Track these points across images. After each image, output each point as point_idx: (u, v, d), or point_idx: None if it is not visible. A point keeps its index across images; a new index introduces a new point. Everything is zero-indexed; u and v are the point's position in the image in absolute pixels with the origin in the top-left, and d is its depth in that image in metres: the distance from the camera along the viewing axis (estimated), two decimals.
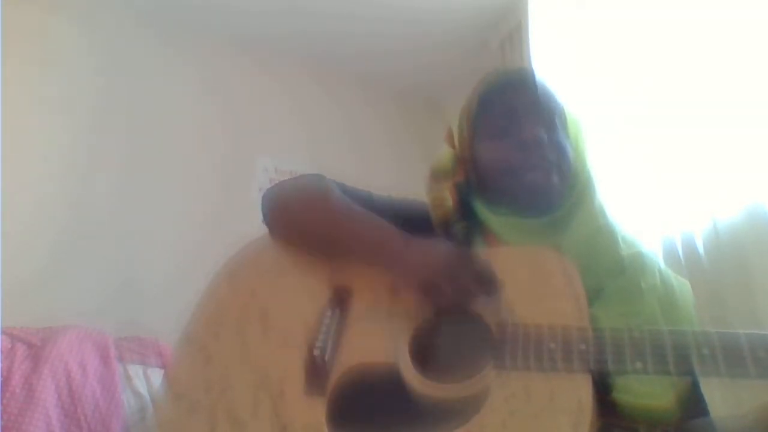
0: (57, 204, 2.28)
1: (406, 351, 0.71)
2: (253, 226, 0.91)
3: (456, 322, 0.73)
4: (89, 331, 1.76)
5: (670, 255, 1.60)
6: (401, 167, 2.76)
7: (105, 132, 2.47)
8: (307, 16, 2.67)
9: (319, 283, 0.81)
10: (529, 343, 0.65)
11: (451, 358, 0.72)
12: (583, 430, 0.57)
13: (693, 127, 1.64)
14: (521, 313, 0.69)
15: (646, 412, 0.66)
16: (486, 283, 0.71)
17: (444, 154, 0.93)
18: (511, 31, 2.51)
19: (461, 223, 0.88)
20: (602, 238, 0.81)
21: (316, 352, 0.72)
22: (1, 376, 1.54)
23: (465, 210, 0.88)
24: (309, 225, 0.87)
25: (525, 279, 0.73)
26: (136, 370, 1.77)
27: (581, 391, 0.60)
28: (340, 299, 0.79)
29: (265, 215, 0.91)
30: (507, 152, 0.84)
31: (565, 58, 2.12)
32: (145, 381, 1.76)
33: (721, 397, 0.71)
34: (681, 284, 0.82)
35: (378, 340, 0.73)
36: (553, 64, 2.15)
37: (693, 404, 0.68)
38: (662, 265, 0.84)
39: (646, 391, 0.66)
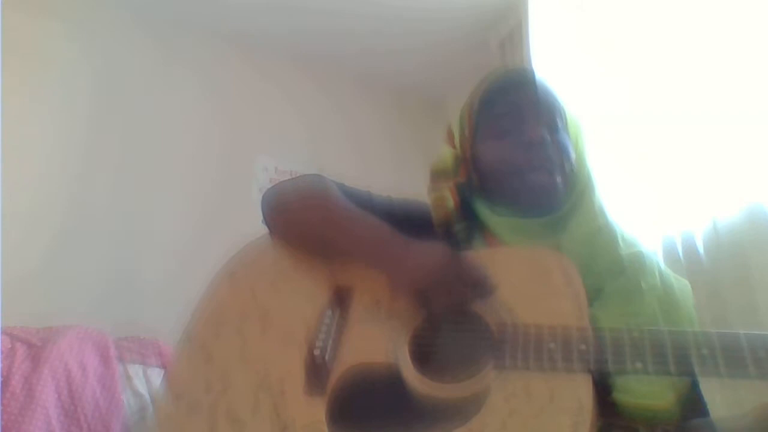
0: (56, 204, 2.28)
1: (406, 351, 0.71)
2: (253, 226, 0.91)
3: (456, 322, 0.73)
4: (89, 331, 1.76)
5: (670, 255, 1.60)
6: (401, 167, 2.76)
7: (105, 132, 2.47)
8: (307, 15, 2.67)
9: (319, 283, 0.81)
10: (529, 343, 0.65)
11: (451, 358, 0.72)
12: (583, 430, 0.57)
13: (693, 127, 1.64)
14: (521, 313, 0.69)
15: (646, 412, 0.66)
16: (480, 288, 0.71)
17: (445, 154, 0.93)
18: (511, 31, 2.51)
19: (462, 223, 0.88)
20: (602, 237, 0.81)
21: (317, 352, 0.72)
22: (1, 376, 1.54)
23: (466, 210, 0.88)
24: (307, 226, 0.87)
25: (525, 279, 0.73)
26: (136, 370, 1.77)
27: (581, 391, 0.60)
28: (341, 299, 0.79)
29: (264, 216, 0.91)
30: (510, 152, 0.84)
31: (565, 58, 2.12)
32: (145, 381, 1.76)
33: (720, 397, 0.72)
34: (681, 284, 0.82)
35: (378, 340, 0.73)
36: (553, 64, 2.15)
37: (693, 404, 0.68)
38: (662, 265, 0.84)
39: (646, 391, 0.66)
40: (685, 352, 0.58)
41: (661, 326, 0.71)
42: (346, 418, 0.68)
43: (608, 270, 0.78)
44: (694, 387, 0.69)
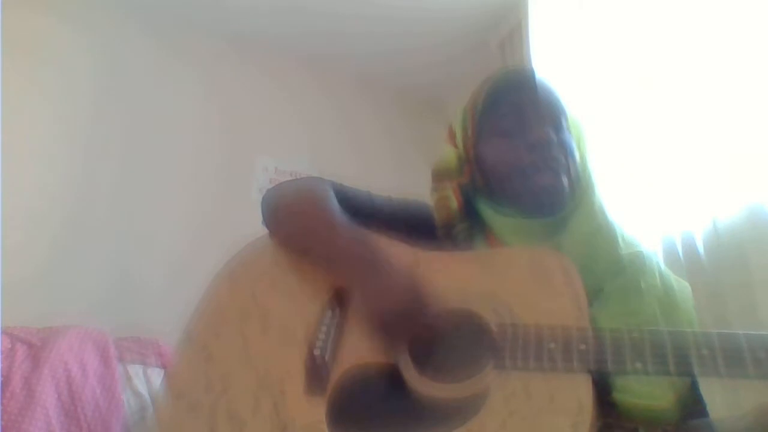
0: (57, 204, 2.29)
1: (406, 351, 0.71)
2: (253, 227, 0.91)
3: (456, 322, 0.73)
4: (89, 331, 1.76)
5: (670, 255, 1.60)
6: (401, 167, 2.76)
7: (105, 132, 2.47)
8: (307, 15, 2.67)
9: (319, 284, 0.81)
10: (529, 343, 0.65)
11: (451, 358, 0.72)
12: (583, 430, 0.57)
13: (693, 126, 1.64)
14: (521, 313, 0.69)
15: (645, 412, 0.66)
16: (435, 330, 0.71)
17: (447, 154, 0.92)
18: (511, 31, 2.50)
19: (464, 223, 0.87)
20: (602, 237, 0.81)
21: (317, 352, 0.72)
22: (1, 376, 1.54)
23: (468, 211, 0.88)
24: (290, 232, 0.87)
25: (525, 279, 0.73)
26: (136, 370, 1.77)
27: (581, 392, 0.60)
28: (341, 299, 0.79)
29: (263, 216, 0.91)
30: (515, 152, 0.83)
31: (565, 58, 2.12)
32: (145, 381, 1.76)
33: (720, 397, 0.71)
34: (681, 285, 0.82)
35: (378, 340, 0.73)
36: (553, 63, 2.15)
37: (692, 405, 0.68)
38: (662, 265, 0.83)
39: (646, 391, 0.66)
40: (684, 352, 0.58)
41: (661, 326, 0.71)
42: (347, 419, 0.68)
43: (608, 270, 0.78)
44: (694, 387, 0.69)
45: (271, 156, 2.78)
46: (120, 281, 2.30)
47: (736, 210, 1.48)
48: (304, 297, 0.80)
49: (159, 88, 2.63)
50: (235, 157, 2.70)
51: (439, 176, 0.91)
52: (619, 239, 0.81)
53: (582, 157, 0.88)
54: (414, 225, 0.89)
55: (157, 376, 1.78)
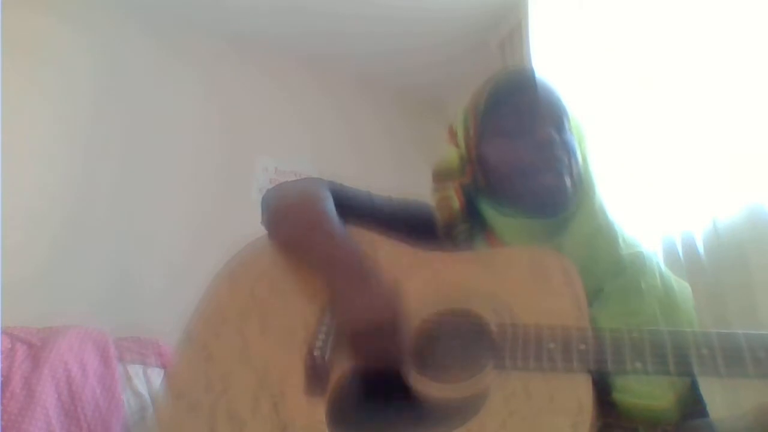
0: (56, 204, 2.29)
1: (406, 352, 0.70)
2: (253, 227, 0.91)
3: (456, 322, 0.73)
4: (89, 331, 1.76)
5: (670, 255, 1.60)
6: (401, 167, 2.76)
7: (105, 132, 2.47)
8: (307, 16, 2.67)
9: (318, 284, 0.81)
10: (529, 343, 0.65)
11: (451, 358, 0.72)
12: (582, 430, 0.57)
13: (693, 126, 1.64)
14: (521, 313, 0.69)
15: (645, 412, 0.66)
16: (409, 351, 0.70)
17: (449, 154, 0.91)
18: (511, 31, 2.50)
19: (465, 224, 0.87)
20: (602, 238, 0.81)
21: (317, 353, 0.72)
22: (1, 376, 1.54)
23: (470, 211, 0.88)
24: (285, 235, 0.87)
25: (525, 279, 0.73)
26: (136, 370, 1.77)
27: (581, 392, 0.60)
28: None
29: (262, 217, 0.91)
30: (519, 152, 0.83)
31: (565, 58, 2.12)
32: (145, 381, 1.76)
33: (720, 397, 0.71)
34: (681, 286, 0.82)
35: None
36: (553, 63, 2.15)
37: (692, 404, 0.68)
38: (662, 266, 0.83)
39: (646, 391, 0.66)
40: (684, 352, 0.58)
41: (661, 327, 0.71)
42: (347, 419, 0.68)
43: (608, 270, 0.78)
44: (694, 387, 0.69)
45: (271, 156, 2.78)
46: (120, 281, 2.30)
47: (736, 210, 1.48)
48: (304, 297, 0.80)
49: (159, 88, 2.63)
50: (235, 157, 2.70)
51: (440, 176, 0.91)
52: (620, 239, 0.81)
53: (583, 157, 0.88)
54: (414, 225, 0.89)
55: (157, 376, 1.78)
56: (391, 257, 0.81)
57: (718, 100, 1.58)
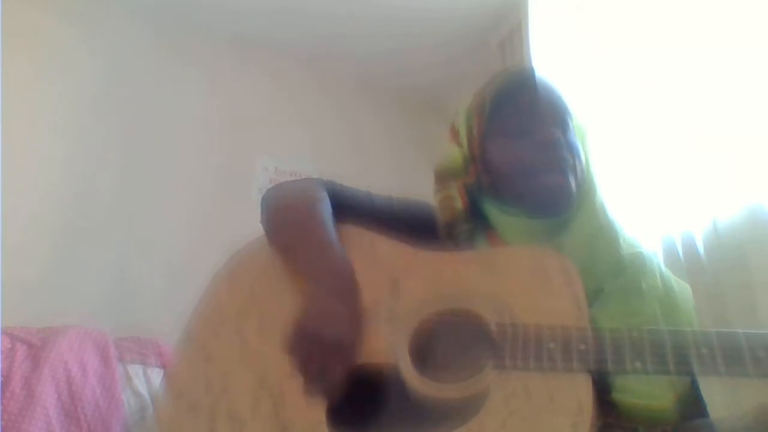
0: (57, 204, 2.29)
1: (406, 351, 0.70)
2: (253, 227, 0.91)
3: (456, 322, 0.73)
4: (89, 331, 1.76)
5: (670, 255, 1.60)
6: (401, 167, 2.77)
7: (105, 132, 2.47)
8: (308, 16, 2.67)
9: None
10: (529, 343, 0.65)
11: (451, 358, 0.72)
12: (582, 430, 0.57)
13: (693, 126, 1.64)
14: (521, 313, 0.69)
15: (645, 412, 0.66)
16: (339, 382, 0.70)
17: (452, 153, 0.91)
18: (511, 31, 2.51)
19: (466, 223, 0.87)
20: (603, 238, 0.81)
21: None
22: (1, 376, 1.54)
23: (472, 210, 0.88)
24: (278, 238, 0.87)
25: (525, 279, 0.73)
26: (136, 370, 1.77)
27: (581, 391, 0.60)
28: None
29: (261, 216, 0.91)
30: (524, 152, 0.83)
31: (565, 58, 2.12)
32: (145, 381, 1.76)
33: (720, 397, 0.71)
34: (681, 287, 0.82)
35: (378, 341, 0.73)
36: (553, 63, 2.15)
37: (692, 404, 0.68)
38: (663, 266, 0.83)
39: (646, 391, 0.66)
40: (684, 351, 0.58)
41: (661, 327, 0.71)
42: (347, 419, 0.68)
43: (609, 270, 0.78)
44: (694, 387, 0.69)
45: (271, 156, 2.79)
46: (120, 281, 2.30)
47: (736, 210, 1.48)
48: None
49: (160, 89, 2.63)
50: (235, 157, 2.70)
51: (443, 176, 0.91)
52: (620, 240, 0.81)
53: (585, 157, 0.88)
54: (414, 225, 0.89)
55: (157, 376, 1.78)
56: (391, 257, 0.81)
57: (718, 100, 1.58)
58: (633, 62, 1.86)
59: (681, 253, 1.58)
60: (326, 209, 0.87)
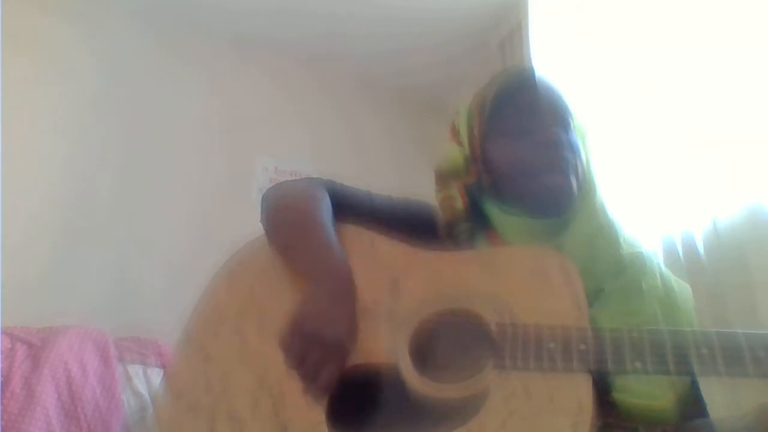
0: (57, 204, 2.29)
1: (406, 351, 0.70)
2: (253, 227, 0.91)
3: (456, 322, 0.73)
4: (89, 331, 1.76)
5: (670, 255, 1.60)
6: (401, 167, 2.77)
7: (105, 132, 2.47)
8: (307, 16, 2.67)
9: None
10: (529, 343, 0.65)
11: (451, 358, 0.72)
12: (582, 430, 0.57)
13: (693, 126, 1.64)
14: (521, 313, 0.69)
15: (645, 412, 0.66)
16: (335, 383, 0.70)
17: (453, 153, 0.91)
18: (511, 31, 2.50)
19: (466, 223, 0.87)
20: (603, 238, 0.81)
21: None
22: (1, 376, 1.54)
23: (473, 210, 0.88)
24: (274, 235, 0.88)
25: (525, 279, 0.73)
26: (136, 370, 1.77)
27: (581, 391, 0.60)
28: None
29: (261, 216, 0.91)
30: (525, 152, 0.83)
31: (565, 58, 2.12)
32: (145, 381, 1.76)
33: (720, 397, 0.71)
34: (681, 286, 0.82)
35: (378, 341, 0.73)
36: (553, 63, 2.15)
37: (692, 405, 0.68)
38: (663, 266, 0.83)
39: (646, 391, 0.66)
40: (684, 351, 0.58)
41: (661, 327, 0.71)
42: (347, 419, 0.68)
43: (609, 270, 0.78)
44: (694, 387, 0.69)
45: (271, 156, 2.78)
46: (120, 281, 2.30)
47: (736, 210, 1.48)
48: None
49: (160, 89, 2.63)
50: (235, 157, 2.70)
51: (444, 175, 0.91)
52: (620, 239, 0.81)
53: (585, 157, 0.87)
54: (414, 224, 0.89)
55: (157, 376, 1.78)
56: (390, 256, 0.81)
57: (718, 100, 1.58)
58: (633, 62, 1.86)
59: (681, 253, 1.58)
60: (326, 209, 0.87)
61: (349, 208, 0.89)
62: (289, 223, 0.87)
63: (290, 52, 2.92)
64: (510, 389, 0.62)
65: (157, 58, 2.66)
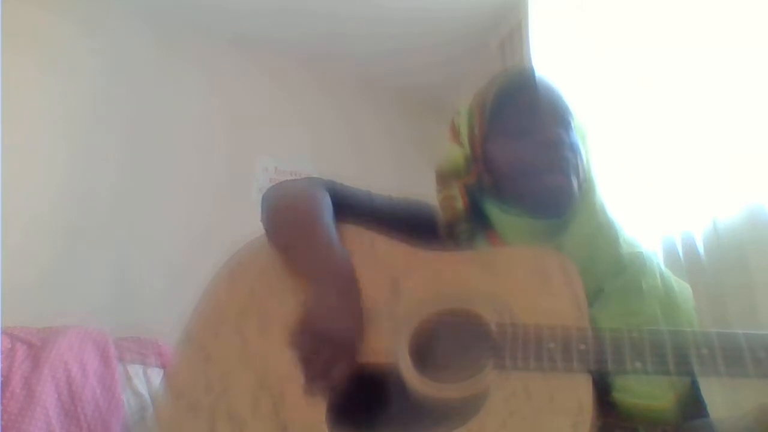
0: (57, 204, 2.29)
1: (406, 351, 0.70)
2: (253, 227, 0.91)
3: (456, 322, 0.73)
4: (89, 331, 1.76)
5: (670, 255, 1.60)
6: (401, 167, 2.77)
7: (105, 132, 2.47)
8: (307, 16, 2.67)
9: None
10: (529, 343, 0.65)
11: (451, 358, 0.72)
12: (583, 430, 0.57)
13: (693, 126, 1.64)
14: (521, 313, 0.69)
15: (645, 412, 0.66)
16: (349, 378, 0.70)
17: (453, 153, 0.91)
18: (511, 31, 2.51)
19: (467, 223, 0.87)
20: (602, 238, 0.81)
21: None
22: (1, 376, 1.54)
23: (474, 210, 0.88)
24: (279, 237, 0.87)
25: (525, 279, 0.73)
26: (136, 370, 1.77)
27: (581, 391, 0.60)
28: None
29: (261, 216, 0.91)
30: (527, 152, 0.82)
31: (565, 58, 2.12)
32: (145, 381, 1.76)
33: (720, 397, 0.71)
34: (681, 286, 0.82)
35: (378, 340, 0.73)
36: (553, 63, 2.15)
37: (692, 405, 0.68)
38: (663, 266, 0.83)
39: (646, 391, 0.66)
40: (684, 351, 0.58)
41: (662, 327, 0.71)
42: (347, 419, 0.68)
43: (609, 270, 0.78)
44: (694, 387, 0.69)
45: (271, 156, 2.79)
46: (120, 281, 2.30)
47: (736, 210, 1.48)
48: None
49: (160, 89, 2.63)
50: (235, 157, 2.70)
51: (445, 175, 0.91)
52: (620, 238, 0.81)
53: (585, 157, 0.87)
54: (414, 224, 0.89)
55: (157, 376, 1.78)
56: (390, 256, 0.81)
57: (718, 100, 1.58)
58: (633, 62, 1.86)
59: (681, 253, 1.58)
60: (327, 208, 0.87)
61: (349, 208, 0.89)
62: (290, 222, 0.87)
63: (290, 52, 2.92)
64: (510, 389, 0.62)
65: (157, 58, 2.66)
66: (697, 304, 1.03)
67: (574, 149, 0.83)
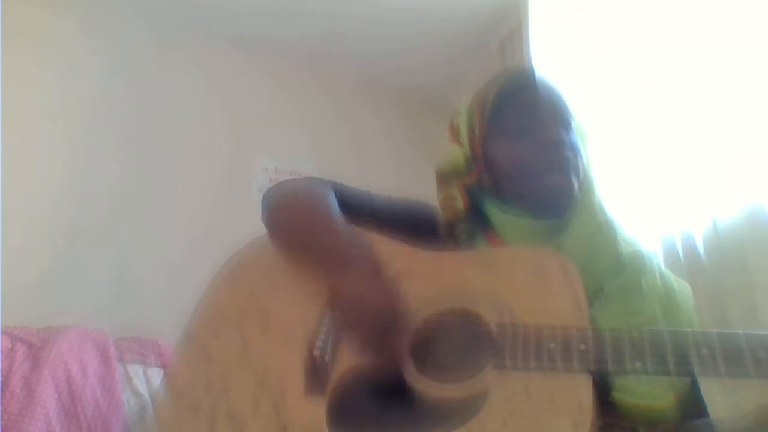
0: (57, 204, 2.29)
1: (406, 351, 0.70)
2: (253, 227, 0.91)
3: (456, 322, 0.73)
4: (89, 331, 1.76)
5: (670, 255, 1.60)
6: (401, 167, 2.77)
7: (105, 132, 2.47)
8: (307, 16, 2.67)
9: (319, 283, 0.81)
10: (529, 343, 0.65)
11: (451, 358, 0.72)
12: (583, 430, 0.57)
13: (693, 126, 1.64)
14: (521, 313, 0.69)
15: (645, 412, 0.66)
16: (408, 350, 0.70)
17: (453, 153, 0.91)
18: (511, 31, 2.51)
19: (467, 223, 0.87)
20: (602, 237, 0.81)
21: (317, 353, 0.72)
22: (1, 376, 1.54)
23: (474, 210, 0.87)
24: (288, 232, 0.87)
25: (525, 279, 0.73)
26: (136, 370, 1.77)
27: (581, 391, 0.60)
28: None
29: (262, 215, 0.91)
30: (526, 152, 0.82)
31: (565, 58, 2.12)
32: (145, 381, 1.76)
33: (720, 397, 0.71)
34: (681, 286, 0.82)
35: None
36: (553, 64, 2.15)
37: (692, 405, 0.68)
38: (662, 266, 0.83)
39: (646, 391, 0.66)
40: (684, 351, 0.58)
41: (662, 327, 0.71)
42: (347, 419, 0.68)
43: (608, 270, 0.78)
44: (694, 387, 0.69)
45: (271, 156, 2.79)
46: (120, 281, 2.31)
47: (736, 210, 1.48)
48: (304, 296, 0.80)
49: (160, 89, 2.63)
50: (235, 157, 2.70)
51: (445, 175, 0.90)
52: (619, 237, 0.81)
53: (585, 157, 0.87)
54: (414, 225, 0.89)
55: (157, 376, 1.78)
56: (391, 257, 0.81)
57: (718, 100, 1.58)
58: (633, 62, 1.86)
59: (681, 253, 1.58)
60: (332, 201, 0.87)
61: (350, 208, 0.89)
62: (296, 218, 0.86)
63: (290, 52, 2.92)
64: (510, 389, 0.62)
65: (157, 58, 2.66)
66: (697, 304, 1.03)
67: (574, 149, 0.83)
